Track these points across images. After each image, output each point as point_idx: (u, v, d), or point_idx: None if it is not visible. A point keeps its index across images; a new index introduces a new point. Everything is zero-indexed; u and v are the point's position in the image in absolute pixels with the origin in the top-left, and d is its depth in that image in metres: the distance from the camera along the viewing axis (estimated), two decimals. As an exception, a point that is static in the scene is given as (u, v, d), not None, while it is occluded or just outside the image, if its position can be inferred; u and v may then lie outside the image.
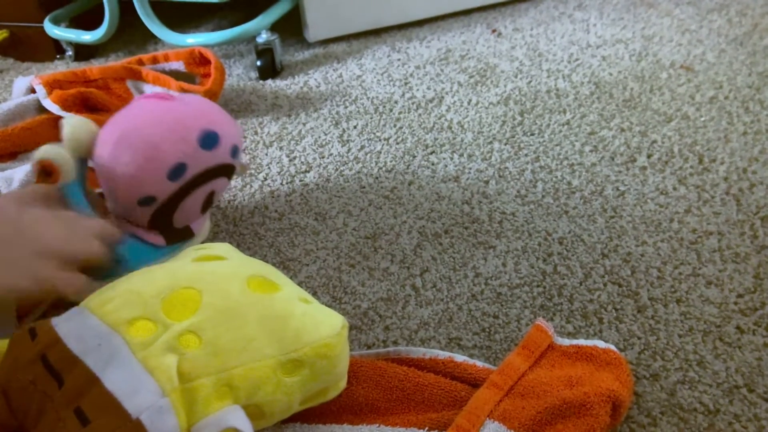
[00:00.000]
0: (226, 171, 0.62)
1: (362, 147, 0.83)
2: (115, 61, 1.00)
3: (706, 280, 0.61)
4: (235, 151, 0.62)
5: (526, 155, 0.79)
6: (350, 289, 0.63)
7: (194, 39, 1.01)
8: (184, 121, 0.58)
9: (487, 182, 0.75)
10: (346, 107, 0.91)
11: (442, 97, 0.92)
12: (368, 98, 0.93)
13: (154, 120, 0.58)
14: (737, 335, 0.56)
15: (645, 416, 0.50)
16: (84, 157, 0.58)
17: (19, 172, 0.70)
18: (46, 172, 0.65)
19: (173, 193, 0.58)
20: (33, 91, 0.85)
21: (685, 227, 0.67)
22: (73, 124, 0.57)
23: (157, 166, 0.56)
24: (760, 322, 0.57)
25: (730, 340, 0.55)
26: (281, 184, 0.77)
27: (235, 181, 0.78)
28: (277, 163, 0.81)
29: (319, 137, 0.85)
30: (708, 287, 0.60)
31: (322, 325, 0.45)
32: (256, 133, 0.87)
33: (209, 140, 0.58)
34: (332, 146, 0.83)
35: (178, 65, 0.92)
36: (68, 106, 0.81)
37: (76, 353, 0.39)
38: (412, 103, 0.91)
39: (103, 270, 0.52)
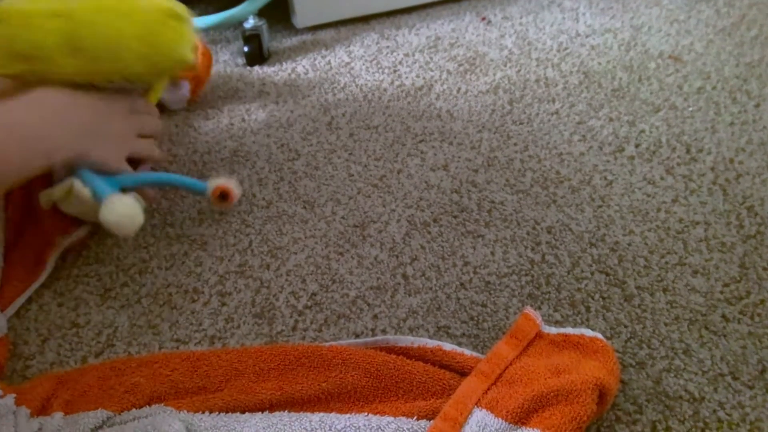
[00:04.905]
0: None
1: (351, 134, 0.82)
2: (99, 46, 0.99)
3: (693, 269, 0.61)
4: None
5: (515, 144, 0.79)
6: (339, 278, 0.63)
7: (180, 24, 1.00)
8: None
9: (476, 171, 0.75)
10: (334, 94, 0.91)
11: (432, 85, 0.91)
12: (357, 86, 0.92)
13: None
14: (723, 324, 0.56)
15: (631, 404, 0.50)
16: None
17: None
18: (222, 196, 0.69)
19: None
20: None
21: (672, 217, 0.67)
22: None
23: None
24: (745, 311, 0.57)
25: (715, 329, 0.56)
26: (269, 171, 0.77)
27: (223, 169, 0.77)
28: (265, 150, 0.80)
29: (308, 124, 0.85)
30: (694, 276, 0.61)
31: None
32: (243, 120, 0.86)
33: None
34: (320, 134, 0.83)
35: (164, 50, 0.91)
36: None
37: None
38: (401, 91, 0.90)
39: None
